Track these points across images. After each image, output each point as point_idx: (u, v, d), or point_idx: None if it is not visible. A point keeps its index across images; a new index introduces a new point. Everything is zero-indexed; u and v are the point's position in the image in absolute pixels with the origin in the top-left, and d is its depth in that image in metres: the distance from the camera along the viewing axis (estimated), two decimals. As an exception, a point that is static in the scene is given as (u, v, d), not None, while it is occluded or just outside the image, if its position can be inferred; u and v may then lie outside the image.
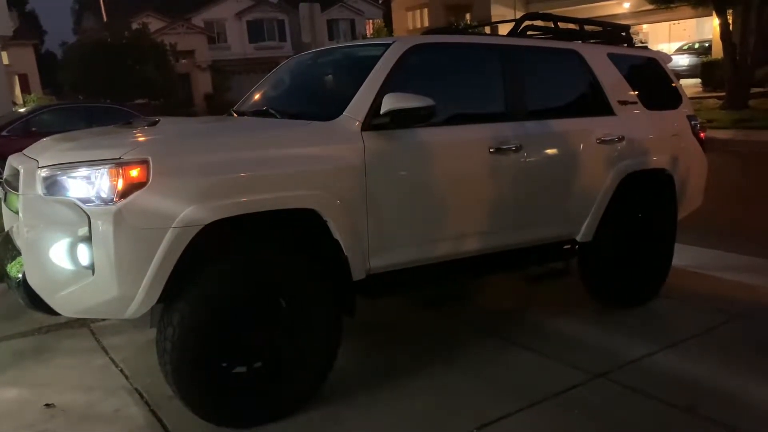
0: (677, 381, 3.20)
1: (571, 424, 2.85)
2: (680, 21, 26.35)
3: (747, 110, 15.53)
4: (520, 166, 3.60)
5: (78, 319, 3.97)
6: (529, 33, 4.30)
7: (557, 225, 3.90)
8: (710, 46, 22.57)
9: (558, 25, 4.38)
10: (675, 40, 28.35)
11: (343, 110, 3.13)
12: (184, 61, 33.32)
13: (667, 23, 27.40)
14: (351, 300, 3.09)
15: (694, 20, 25.60)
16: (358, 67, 3.52)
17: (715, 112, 15.39)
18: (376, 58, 3.33)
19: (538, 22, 4.38)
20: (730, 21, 16.13)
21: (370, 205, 3.04)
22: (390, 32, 33.66)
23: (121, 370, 3.46)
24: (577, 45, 4.27)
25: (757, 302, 4.23)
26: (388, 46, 3.41)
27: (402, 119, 3.09)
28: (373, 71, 3.26)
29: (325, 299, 2.94)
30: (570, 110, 4.10)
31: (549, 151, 3.78)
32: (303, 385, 2.95)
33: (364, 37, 35.94)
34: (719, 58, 18.63)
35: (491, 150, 3.47)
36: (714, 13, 16.55)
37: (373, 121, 3.09)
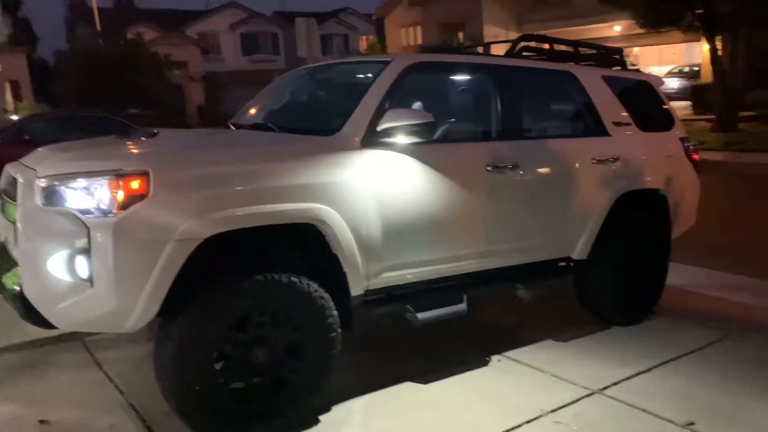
0: (675, 397, 3.22)
1: (568, 442, 2.85)
2: (670, 45, 26.73)
3: (737, 133, 15.74)
4: (517, 184, 3.63)
5: (71, 333, 3.91)
6: (524, 54, 4.35)
7: (553, 242, 3.93)
8: (699, 70, 22.88)
9: (553, 47, 4.44)
10: (665, 64, 28.67)
11: (343, 126, 3.15)
12: (177, 72, 33.26)
13: (657, 47, 27.79)
14: (349, 315, 3.09)
15: (683, 44, 25.96)
16: (357, 84, 3.54)
17: (706, 135, 15.56)
18: (376, 75, 3.36)
19: (533, 44, 4.44)
20: (719, 47, 16.37)
21: (369, 220, 3.05)
22: (383, 49, 33.83)
23: (116, 386, 3.41)
24: (572, 67, 4.33)
25: (752, 321, 4.28)
26: (387, 63, 3.44)
27: (401, 135, 3.13)
28: (372, 87, 3.28)
29: (323, 314, 2.94)
30: (566, 130, 4.17)
31: (545, 170, 3.82)
32: (301, 400, 2.93)
33: (358, 53, 36.14)
34: (709, 81, 18.87)
35: (488, 168, 3.50)
36: (703, 39, 16.79)
37: (372, 137, 3.12)
